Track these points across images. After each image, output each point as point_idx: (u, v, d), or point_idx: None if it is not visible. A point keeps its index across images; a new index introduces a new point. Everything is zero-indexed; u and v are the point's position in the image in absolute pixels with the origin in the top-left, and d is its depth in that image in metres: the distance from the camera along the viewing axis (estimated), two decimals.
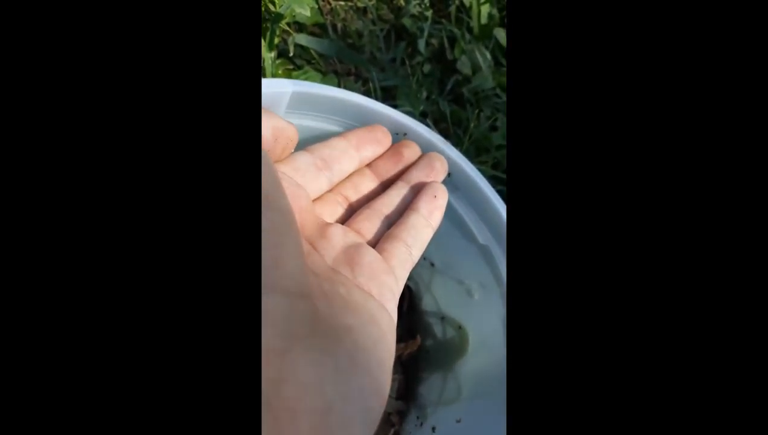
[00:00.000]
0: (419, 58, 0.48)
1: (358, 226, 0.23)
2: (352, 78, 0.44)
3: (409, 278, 0.38)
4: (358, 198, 0.25)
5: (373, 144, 0.25)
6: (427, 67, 0.48)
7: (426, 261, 0.35)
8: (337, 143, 0.24)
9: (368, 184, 0.26)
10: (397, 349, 0.36)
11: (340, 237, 0.21)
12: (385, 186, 0.26)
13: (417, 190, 0.25)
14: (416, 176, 0.26)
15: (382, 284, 0.20)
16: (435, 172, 0.26)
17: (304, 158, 0.23)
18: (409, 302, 0.38)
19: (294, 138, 0.21)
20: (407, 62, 0.47)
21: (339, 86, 0.48)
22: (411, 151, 0.26)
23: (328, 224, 0.22)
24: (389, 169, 0.26)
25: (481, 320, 0.32)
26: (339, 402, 0.15)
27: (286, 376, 0.14)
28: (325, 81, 0.41)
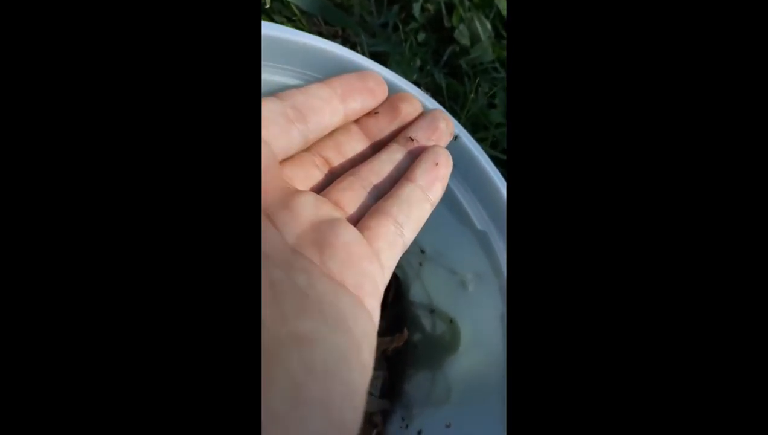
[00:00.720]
0: (413, 25, 0.44)
1: (336, 196, 0.19)
2: (338, 41, 0.40)
3: (396, 266, 0.35)
4: (342, 162, 0.20)
5: (363, 94, 0.20)
6: (421, 36, 0.44)
7: (416, 246, 0.32)
8: (316, 90, 0.19)
9: (355, 144, 0.21)
10: (382, 343, 0.33)
11: (310, 209, 0.17)
12: (376, 148, 0.21)
13: (415, 156, 0.20)
14: (415, 138, 0.21)
15: (361, 273, 0.16)
16: (438, 133, 0.21)
17: (271, 105, 0.18)
18: (396, 291, 0.34)
19: None
20: (401, 28, 0.42)
21: None
22: (410, 107, 0.21)
23: (297, 192, 0.17)
24: (382, 128, 0.21)
25: (476, 315, 0.29)
26: None
27: None
28: None
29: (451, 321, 0.31)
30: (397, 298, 0.35)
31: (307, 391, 0.12)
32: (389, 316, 0.34)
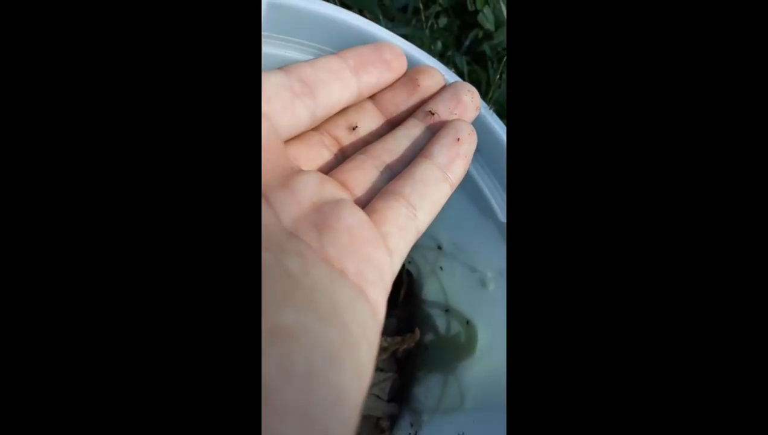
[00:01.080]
0: (435, 8, 0.41)
1: (344, 176, 0.17)
2: None
3: (409, 261, 0.32)
4: (354, 141, 0.18)
5: (378, 67, 0.18)
6: (443, 21, 0.42)
7: (432, 241, 0.30)
8: (326, 62, 0.17)
9: (369, 122, 0.19)
10: (393, 344, 0.30)
11: (312, 189, 0.15)
12: (393, 126, 0.19)
13: (435, 132, 0.18)
14: (435, 111, 0.19)
15: (364, 259, 0.14)
16: (462, 106, 0.19)
17: (275, 78, 0.16)
18: (408, 288, 0.32)
19: None
20: (422, 11, 0.40)
21: None
22: (430, 80, 0.19)
23: (300, 171, 0.16)
24: (399, 103, 0.19)
25: (495, 316, 0.26)
26: None
27: None
28: None
29: (468, 322, 0.28)
30: (409, 296, 0.32)
31: (280, 398, 0.10)
32: (400, 315, 0.32)
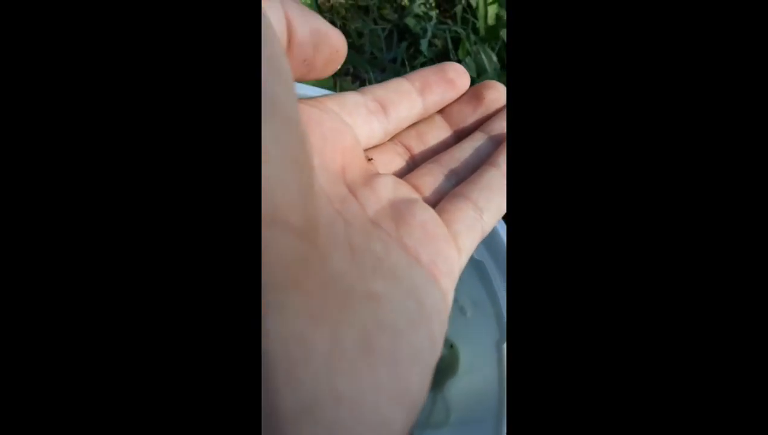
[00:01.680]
0: (421, 59, 0.46)
1: (415, 181, 0.19)
2: (349, 78, 0.43)
3: None
4: (423, 150, 0.20)
5: (441, 86, 0.20)
6: None
7: None
8: (396, 84, 0.20)
9: (437, 133, 0.21)
10: None
11: (389, 189, 0.17)
12: (460, 137, 0.21)
13: (499, 143, 0.20)
14: (500, 126, 0.20)
15: (436, 252, 0.16)
16: None
17: (353, 97, 0.18)
18: None
19: (341, 49, 0.17)
20: (407, 64, 0.45)
21: (335, 87, 0.46)
22: (495, 93, 0.21)
23: (378, 174, 0.18)
24: (466, 117, 0.21)
25: (473, 340, 0.30)
26: (327, 399, 0.11)
27: (267, 329, 0.10)
28: (320, 82, 0.40)
29: (452, 345, 0.32)
30: None
31: (377, 343, 0.12)
32: None
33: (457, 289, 0.31)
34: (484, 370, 0.29)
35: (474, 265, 0.28)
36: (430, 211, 0.17)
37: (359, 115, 0.18)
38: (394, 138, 0.20)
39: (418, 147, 0.21)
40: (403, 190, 0.18)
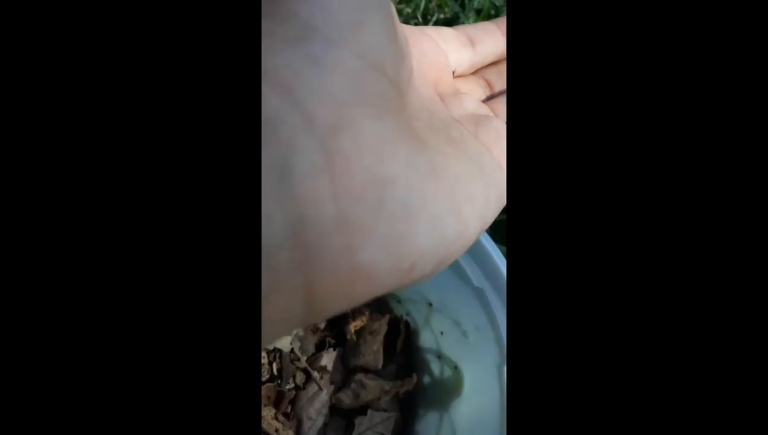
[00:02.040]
0: None
1: (493, 106, 0.21)
2: None
3: (407, 313, 0.38)
4: (503, 87, 0.23)
5: None
6: None
7: (424, 298, 0.35)
8: (484, 25, 0.23)
9: None
10: (394, 387, 0.36)
11: (472, 104, 0.20)
12: None
13: None
14: None
15: (505, 154, 0.18)
16: None
17: (448, 30, 0.21)
18: (406, 337, 0.38)
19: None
20: None
21: None
22: None
23: (464, 93, 0.21)
24: None
25: (476, 363, 0.32)
26: (398, 208, 0.12)
27: (342, 126, 0.12)
28: None
29: (456, 368, 0.34)
30: (408, 344, 0.38)
31: (443, 169, 0.14)
32: (400, 362, 0.37)
33: (460, 314, 0.32)
34: (486, 392, 0.30)
35: (474, 291, 0.30)
36: (505, 126, 0.20)
37: (452, 44, 0.21)
38: (478, 72, 0.23)
39: (497, 83, 0.23)
40: (484, 109, 0.20)
